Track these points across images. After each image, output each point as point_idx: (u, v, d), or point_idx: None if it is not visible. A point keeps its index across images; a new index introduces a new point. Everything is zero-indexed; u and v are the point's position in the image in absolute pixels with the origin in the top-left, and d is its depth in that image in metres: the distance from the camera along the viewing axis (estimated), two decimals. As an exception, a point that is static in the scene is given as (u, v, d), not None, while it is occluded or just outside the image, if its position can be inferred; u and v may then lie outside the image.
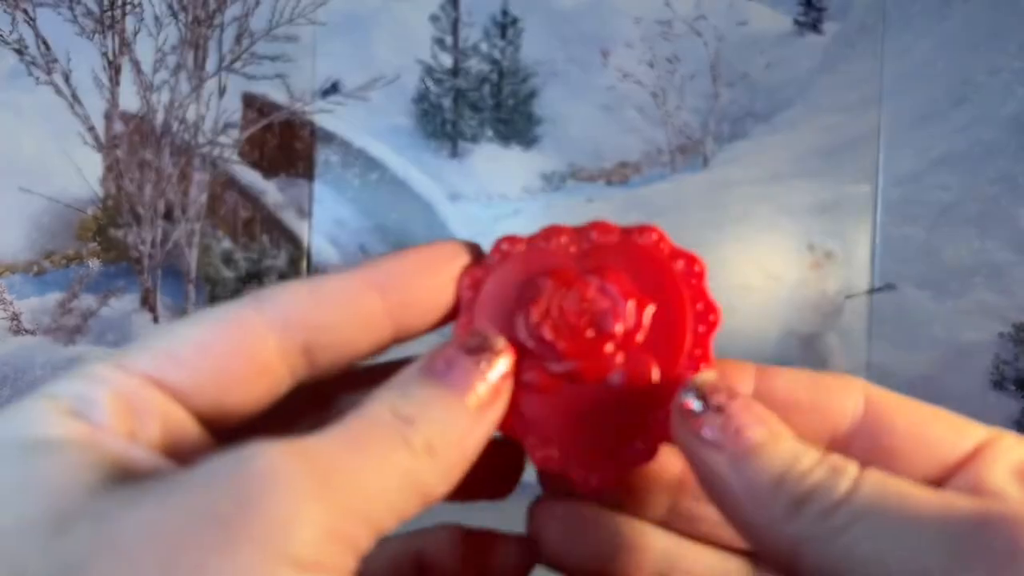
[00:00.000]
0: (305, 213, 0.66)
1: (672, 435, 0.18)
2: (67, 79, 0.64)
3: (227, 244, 0.66)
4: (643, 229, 0.21)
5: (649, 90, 0.67)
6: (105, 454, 0.15)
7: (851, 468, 0.17)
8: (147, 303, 0.65)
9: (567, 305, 0.20)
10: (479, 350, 0.18)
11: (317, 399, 0.21)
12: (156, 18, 0.64)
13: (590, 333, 0.19)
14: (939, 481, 0.19)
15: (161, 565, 0.13)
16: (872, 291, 0.68)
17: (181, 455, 0.17)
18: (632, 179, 0.68)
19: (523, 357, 0.19)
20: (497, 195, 0.67)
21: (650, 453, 0.19)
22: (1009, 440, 0.19)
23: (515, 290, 0.20)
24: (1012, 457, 0.18)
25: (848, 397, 0.19)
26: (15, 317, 0.63)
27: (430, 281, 0.20)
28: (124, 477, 0.15)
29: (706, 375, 0.19)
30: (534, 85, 0.67)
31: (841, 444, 0.19)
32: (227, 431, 0.18)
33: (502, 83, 0.67)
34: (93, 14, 0.64)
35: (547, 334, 0.19)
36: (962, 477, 0.18)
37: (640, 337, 0.19)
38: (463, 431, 0.17)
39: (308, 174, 0.66)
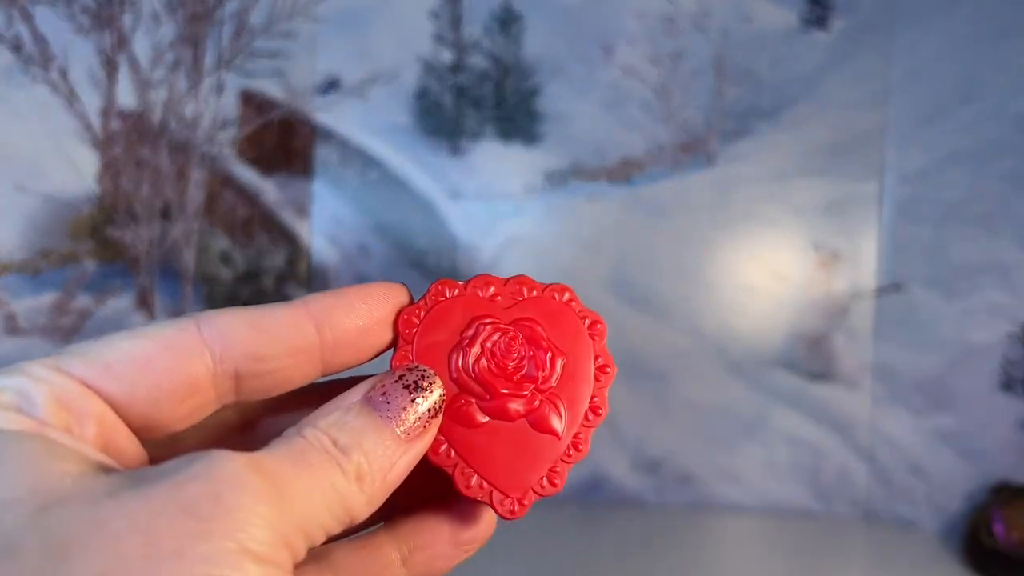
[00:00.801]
0: (304, 212, 0.66)
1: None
2: (64, 76, 0.63)
3: (225, 243, 0.65)
4: (559, 288, 0.24)
5: (652, 87, 0.67)
6: (63, 446, 0.16)
7: None
8: (144, 303, 0.64)
9: (500, 350, 0.22)
10: (414, 386, 0.20)
11: (240, 417, 0.23)
12: (154, 15, 0.64)
13: (517, 376, 0.22)
14: None
15: (144, 547, 0.14)
16: (879, 291, 0.67)
17: (114, 456, 0.18)
18: (635, 177, 0.67)
19: (456, 394, 0.22)
20: (498, 193, 0.66)
21: (558, 485, 0.22)
22: None
23: (452, 331, 0.22)
24: None
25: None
26: (11, 317, 0.62)
27: (362, 320, 0.21)
28: (91, 466, 0.16)
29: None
30: (536, 82, 0.66)
31: None
32: (154, 439, 0.20)
33: (504, 80, 0.66)
34: (90, 11, 0.63)
35: (483, 373, 0.22)
36: None
37: (553, 383, 0.23)
38: (391, 461, 0.19)
39: (307, 172, 0.66)
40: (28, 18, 0.62)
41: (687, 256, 0.67)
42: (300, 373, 0.21)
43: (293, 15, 0.65)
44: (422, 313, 0.22)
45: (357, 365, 0.22)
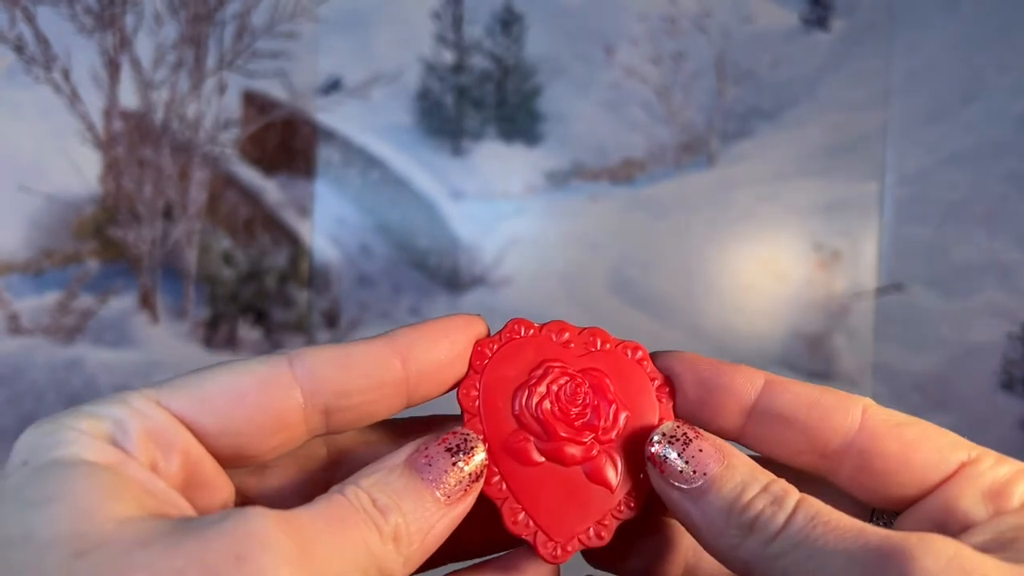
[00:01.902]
0: (306, 212, 0.66)
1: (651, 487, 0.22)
2: (66, 77, 0.63)
3: (227, 243, 0.65)
4: (633, 346, 0.24)
5: (654, 88, 0.67)
6: (129, 484, 0.17)
7: (790, 499, 0.19)
8: (146, 303, 0.64)
9: (565, 394, 0.23)
10: (457, 449, 0.20)
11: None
12: (156, 15, 0.64)
13: (579, 423, 0.22)
14: (915, 499, 0.21)
15: None
16: (879, 291, 0.67)
17: (194, 488, 0.19)
18: (637, 177, 0.67)
19: (515, 430, 0.22)
20: (500, 193, 0.66)
21: (604, 538, 0.22)
22: (987, 461, 0.20)
23: (522, 369, 0.23)
24: (985, 480, 0.20)
25: (844, 417, 0.21)
26: (14, 317, 0.63)
27: (445, 352, 0.22)
28: (143, 509, 0.17)
29: (666, 424, 0.22)
30: (537, 82, 0.67)
31: (832, 460, 0.21)
32: (242, 468, 0.21)
33: (505, 80, 0.67)
34: (92, 11, 0.63)
35: (545, 414, 0.22)
36: (939, 494, 0.20)
37: (613, 436, 0.23)
38: (429, 523, 0.19)
39: (309, 172, 0.66)
40: (30, 19, 0.63)
41: (688, 256, 0.67)
42: (386, 406, 0.21)
43: (295, 16, 0.65)
44: (495, 347, 0.23)
45: (438, 396, 0.22)
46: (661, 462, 0.21)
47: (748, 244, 0.67)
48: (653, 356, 0.24)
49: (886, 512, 0.22)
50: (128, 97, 0.64)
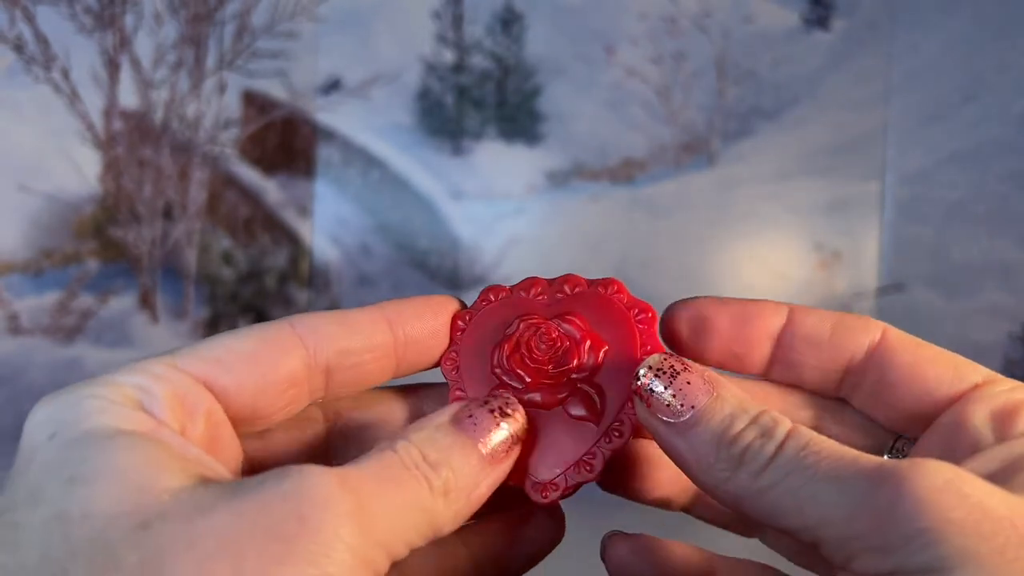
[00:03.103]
0: (306, 212, 0.66)
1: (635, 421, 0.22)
2: (66, 76, 0.63)
3: (227, 243, 0.65)
4: (606, 282, 0.24)
5: (654, 87, 0.67)
6: (170, 451, 0.17)
7: (780, 429, 0.19)
8: (146, 303, 0.64)
9: (534, 343, 0.23)
10: (499, 412, 0.21)
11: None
12: (156, 15, 0.64)
13: (551, 368, 0.23)
14: (930, 419, 0.21)
15: (231, 568, 0.15)
16: (880, 291, 0.67)
17: (215, 451, 0.19)
18: (637, 177, 0.67)
19: (496, 387, 0.23)
20: (500, 193, 0.66)
21: (595, 469, 0.23)
22: (1000, 385, 0.20)
23: (494, 330, 0.23)
24: (995, 402, 0.20)
25: (864, 335, 0.22)
26: (13, 317, 0.63)
27: (429, 323, 0.23)
28: (190, 476, 0.17)
29: (652, 357, 0.21)
30: (538, 82, 0.67)
31: (855, 374, 0.22)
32: (251, 433, 0.21)
33: (505, 80, 0.67)
34: (92, 11, 0.63)
35: (516, 366, 0.23)
36: (948, 415, 0.20)
37: (589, 371, 0.23)
38: (476, 479, 0.19)
39: (309, 172, 0.66)
40: (30, 18, 0.63)
41: (688, 256, 0.67)
42: (379, 368, 0.22)
43: (295, 15, 0.65)
44: (468, 317, 0.24)
45: (425, 367, 0.24)
46: (647, 396, 0.20)
47: (748, 244, 0.67)
48: (673, 306, 0.24)
49: (901, 445, 0.22)
50: (128, 97, 0.64)
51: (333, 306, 0.66)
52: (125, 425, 0.17)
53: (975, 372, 0.21)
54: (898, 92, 0.67)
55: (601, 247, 0.67)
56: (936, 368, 0.21)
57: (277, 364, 0.21)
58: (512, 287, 0.24)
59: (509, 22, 0.66)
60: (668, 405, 0.20)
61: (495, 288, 0.24)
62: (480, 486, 0.20)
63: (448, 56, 0.66)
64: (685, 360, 0.21)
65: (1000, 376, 0.21)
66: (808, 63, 0.67)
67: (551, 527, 0.24)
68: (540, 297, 0.24)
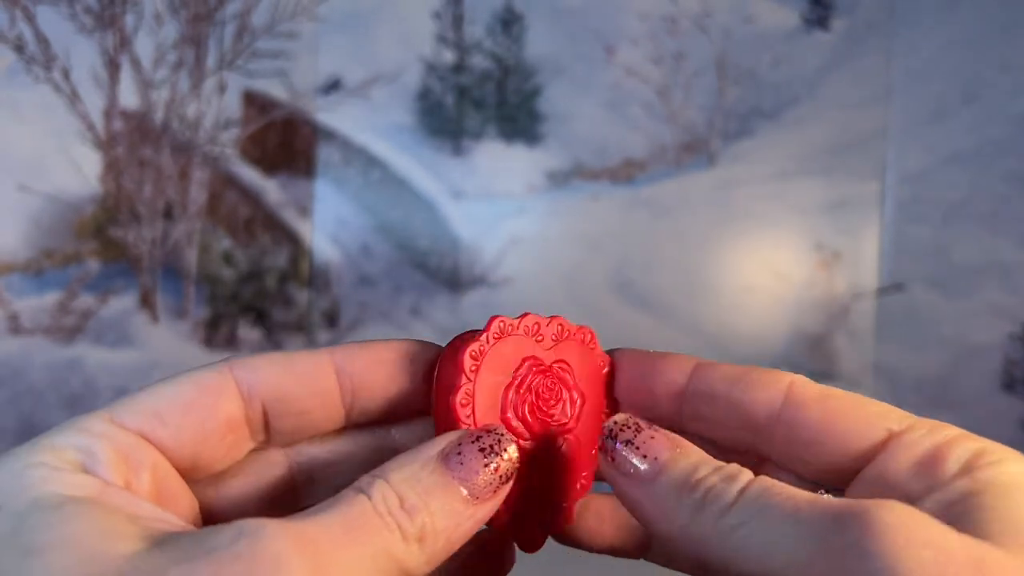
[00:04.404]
0: (306, 212, 0.66)
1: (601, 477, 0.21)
2: (66, 76, 0.63)
3: (227, 243, 0.65)
4: (583, 330, 0.25)
5: (654, 87, 0.67)
6: (122, 515, 0.17)
7: (743, 475, 0.19)
8: (146, 303, 0.64)
9: (542, 393, 0.23)
10: (490, 450, 0.20)
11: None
12: (156, 15, 0.64)
13: (553, 420, 0.23)
14: (852, 471, 0.20)
15: None
16: (880, 291, 0.67)
17: (163, 502, 0.19)
18: (637, 177, 0.67)
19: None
20: (501, 193, 0.66)
21: (569, 518, 0.23)
22: (917, 430, 0.20)
23: (506, 371, 0.23)
24: (916, 450, 0.19)
25: (767, 392, 0.21)
26: (14, 317, 0.63)
27: (383, 370, 0.22)
28: (143, 538, 0.16)
29: (617, 417, 0.21)
30: (538, 82, 0.67)
31: (764, 431, 0.21)
32: (200, 480, 0.21)
33: (505, 80, 0.67)
34: (92, 11, 0.63)
35: (528, 416, 0.23)
36: (870, 469, 0.20)
37: (573, 426, 0.24)
38: (456, 522, 0.19)
39: (309, 172, 0.66)
40: (30, 18, 0.63)
41: (688, 256, 0.67)
42: (324, 416, 0.22)
43: (295, 15, 0.65)
44: (480, 352, 0.23)
45: (381, 416, 0.23)
46: (612, 450, 0.20)
47: (749, 244, 0.67)
48: (609, 354, 0.25)
49: (831, 491, 0.22)
50: (128, 97, 0.64)
51: (333, 306, 0.66)
52: (71, 491, 0.17)
53: (888, 419, 0.20)
54: (898, 92, 0.67)
55: (601, 247, 0.67)
56: (846, 421, 0.20)
57: (213, 411, 0.20)
58: (517, 321, 0.24)
59: (509, 22, 0.66)
60: (633, 458, 0.20)
61: (504, 321, 0.23)
62: (461, 527, 0.19)
63: (448, 56, 0.66)
64: (649, 421, 0.21)
65: (916, 419, 0.20)
66: (808, 63, 0.67)
67: (504, 558, 0.24)
68: (539, 338, 0.24)
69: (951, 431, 0.19)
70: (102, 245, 0.64)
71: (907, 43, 0.67)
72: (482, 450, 0.20)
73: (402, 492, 0.18)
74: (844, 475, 0.21)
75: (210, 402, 0.20)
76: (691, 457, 0.20)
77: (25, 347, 0.63)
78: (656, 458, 0.20)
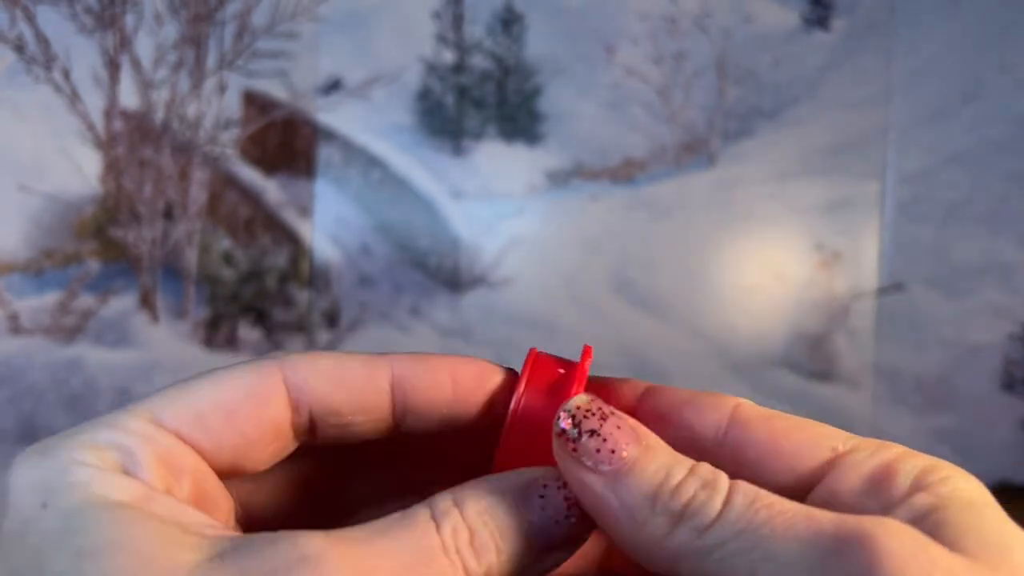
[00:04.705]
0: (306, 212, 0.66)
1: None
2: (66, 76, 0.63)
3: (227, 243, 0.65)
4: (586, 353, 0.22)
5: (655, 87, 0.67)
6: (172, 521, 0.16)
7: (722, 482, 0.17)
8: (146, 303, 0.64)
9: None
10: (574, 501, 0.18)
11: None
12: (156, 15, 0.64)
13: None
14: (799, 492, 0.19)
15: None
16: (880, 291, 0.67)
17: (206, 505, 0.19)
18: (637, 177, 0.67)
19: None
20: (501, 193, 0.66)
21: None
22: (864, 450, 0.19)
23: (543, 415, 0.20)
24: (864, 468, 0.18)
25: (715, 412, 0.20)
26: (14, 317, 0.63)
27: (442, 393, 0.21)
28: (198, 547, 0.16)
29: (578, 398, 0.19)
30: (538, 82, 0.67)
31: (712, 454, 0.20)
32: (237, 480, 0.20)
33: (506, 80, 0.66)
34: (93, 11, 0.63)
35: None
36: (821, 488, 0.19)
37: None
38: (520, 567, 0.17)
39: (309, 172, 0.66)
40: (30, 18, 0.63)
41: (688, 256, 0.67)
42: (372, 428, 0.21)
43: (295, 16, 0.65)
44: (523, 390, 0.21)
45: (434, 427, 0.21)
46: (573, 440, 0.18)
47: (749, 244, 0.67)
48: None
49: None
50: (128, 97, 0.64)
51: (333, 306, 0.66)
52: (118, 495, 0.16)
53: (833, 439, 0.19)
54: (898, 92, 0.67)
55: (601, 247, 0.67)
56: (790, 441, 0.19)
57: (260, 419, 0.19)
58: (558, 360, 0.22)
59: (509, 22, 0.66)
60: (598, 450, 0.18)
61: (546, 359, 0.22)
62: (526, 574, 0.17)
63: (448, 56, 0.66)
64: (612, 407, 0.19)
65: (860, 439, 0.20)
66: (808, 63, 0.67)
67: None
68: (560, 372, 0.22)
69: (896, 449, 0.19)
70: (102, 245, 0.64)
71: (907, 43, 0.67)
72: (567, 499, 0.18)
73: (474, 527, 0.17)
74: (793, 496, 0.19)
75: (257, 410, 0.19)
76: (661, 454, 0.18)
77: (25, 347, 0.63)
78: (623, 454, 0.18)
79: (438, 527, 0.17)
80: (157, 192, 0.64)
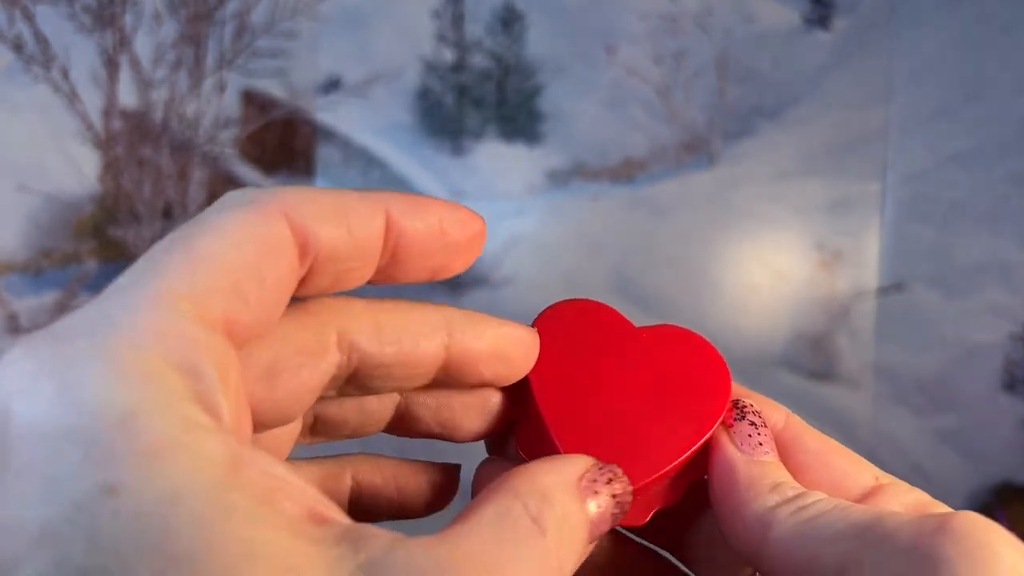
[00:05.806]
0: (306, 211, 0.66)
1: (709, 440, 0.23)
2: (65, 76, 0.63)
3: (227, 243, 0.65)
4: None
5: (655, 87, 0.67)
6: (280, 502, 0.13)
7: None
8: (146, 303, 0.64)
9: None
10: (621, 500, 0.19)
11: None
12: (155, 14, 0.64)
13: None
14: None
15: None
16: (881, 290, 0.67)
17: (243, 423, 0.15)
18: (638, 177, 0.67)
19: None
20: (501, 193, 0.66)
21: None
22: (901, 486, 0.21)
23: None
24: (906, 500, 0.20)
25: (774, 413, 0.23)
26: (13, 317, 0.62)
27: (428, 229, 0.19)
28: (321, 539, 0.13)
29: (750, 401, 0.23)
30: (538, 81, 0.66)
31: None
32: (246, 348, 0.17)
33: (505, 80, 0.66)
34: (91, 10, 0.63)
35: None
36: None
37: None
38: (577, 558, 0.18)
39: (309, 172, 0.66)
40: (29, 18, 0.62)
41: (689, 255, 0.67)
42: (360, 277, 0.18)
43: (295, 15, 0.65)
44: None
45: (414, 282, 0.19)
46: (736, 420, 0.22)
47: (749, 243, 0.67)
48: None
49: None
50: (127, 96, 0.64)
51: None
52: (209, 469, 0.12)
53: (874, 470, 0.21)
54: (899, 92, 0.67)
55: (601, 247, 0.67)
56: (842, 459, 0.22)
57: (280, 280, 0.16)
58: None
59: (509, 21, 0.66)
60: (749, 436, 0.21)
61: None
62: (573, 558, 0.17)
63: (448, 56, 0.66)
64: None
65: (894, 478, 0.21)
66: (809, 63, 0.67)
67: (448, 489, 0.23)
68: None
69: (924, 495, 0.21)
70: (101, 245, 0.64)
71: (907, 43, 0.67)
72: (614, 495, 0.19)
73: (543, 516, 0.16)
74: None
75: (277, 266, 0.16)
76: (785, 471, 0.21)
77: (24, 347, 0.63)
78: (768, 451, 0.21)
79: (544, 538, 0.16)
80: (156, 191, 0.64)
